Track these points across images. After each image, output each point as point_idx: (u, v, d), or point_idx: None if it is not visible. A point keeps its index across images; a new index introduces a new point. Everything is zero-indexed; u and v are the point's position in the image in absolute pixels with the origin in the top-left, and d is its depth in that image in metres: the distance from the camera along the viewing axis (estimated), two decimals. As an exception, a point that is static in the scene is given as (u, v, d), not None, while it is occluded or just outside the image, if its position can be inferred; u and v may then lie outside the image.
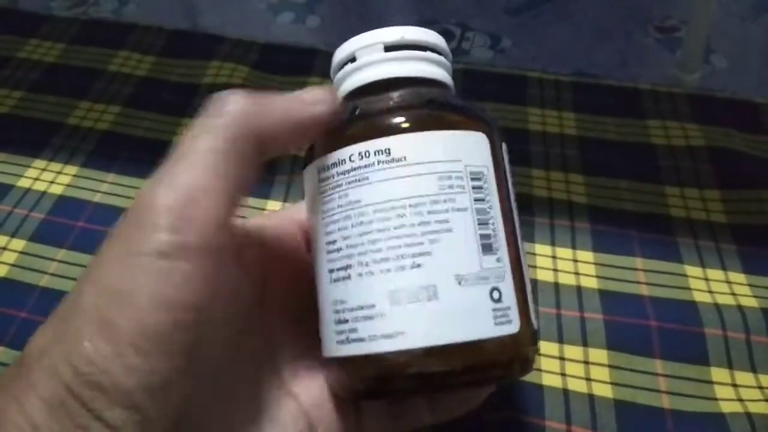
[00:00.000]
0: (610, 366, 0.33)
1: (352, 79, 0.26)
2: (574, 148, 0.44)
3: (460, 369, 0.22)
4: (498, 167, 0.24)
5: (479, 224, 0.23)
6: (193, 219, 0.19)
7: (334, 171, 0.23)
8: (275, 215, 0.28)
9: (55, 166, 0.44)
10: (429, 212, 0.22)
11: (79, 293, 0.19)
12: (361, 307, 0.22)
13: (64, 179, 0.43)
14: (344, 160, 0.23)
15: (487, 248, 0.23)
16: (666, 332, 0.34)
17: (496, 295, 0.22)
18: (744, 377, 0.33)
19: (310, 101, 0.23)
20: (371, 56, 0.25)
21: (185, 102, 0.49)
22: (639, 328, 0.35)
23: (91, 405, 0.17)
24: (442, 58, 0.27)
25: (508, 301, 0.23)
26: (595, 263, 0.38)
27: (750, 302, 0.36)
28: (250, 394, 0.24)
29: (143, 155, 0.45)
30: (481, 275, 0.22)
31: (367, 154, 0.23)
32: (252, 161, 0.22)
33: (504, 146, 0.25)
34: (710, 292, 0.36)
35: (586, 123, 0.46)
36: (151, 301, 0.18)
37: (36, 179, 0.43)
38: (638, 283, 0.37)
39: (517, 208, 0.25)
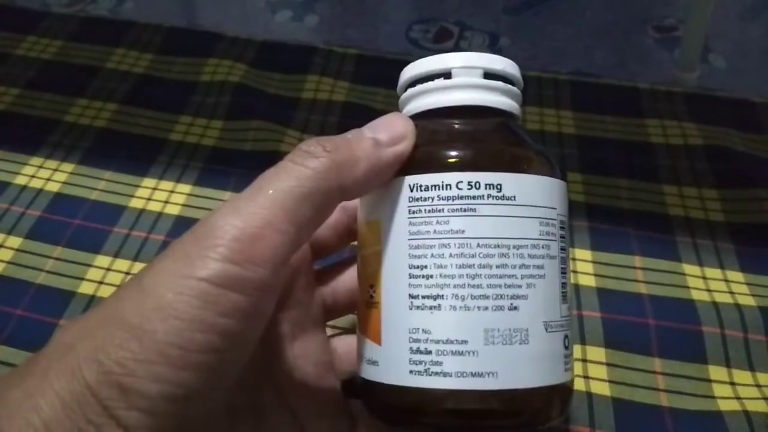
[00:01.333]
0: (608, 364, 0.33)
1: (448, 96, 0.25)
2: (573, 147, 0.44)
3: (535, 413, 0.23)
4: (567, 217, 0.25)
5: (561, 273, 0.24)
6: (255, 254, 0.20)
7: (434, 194, 0.23)
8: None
9: (52, 164, 0.44)
10: (530, 255, 0.23)
11: (120, 298, 0.20)
12: (451, 341, 0.22)
13: (61, 176, 0.43)
14: (449, 185, 0.23)
15: (564, 296, 0.24)
16: (664, 330, 0.34)
17: (566, 342, 0.23)
18: (742, 375, 0.33)
19: (390, 142, 0.23)
20: (472, 79, 0.25)
21: (183, 99, 0.48)
22: (637, 326, 0.35)
23: (108, 403, 0.18)
24: (520, 93, 0.27)
25: (571, 349, 0.24)
26: (593, 261, 0.38)
27: (748, 301, 0.36)
28: (256, 415, 0.24)
29: (140, 153, 0.44)
30: (560, 323, 0.23)
31: (477, 186, 0.22)
32: (327, 210, 0.22)
33: None
34: (708, 290, 0.36)
35: (584, 122, 0.46)
36: (193, 320, 0.19)
37: (33, 176, 0.43)
38: (636, 281, 0.37)
39: None
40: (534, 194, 0.23)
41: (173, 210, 0.41)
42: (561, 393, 0.23)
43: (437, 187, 0.23)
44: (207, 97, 0.48)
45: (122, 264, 0.38)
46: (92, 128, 0.46)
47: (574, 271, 0.37)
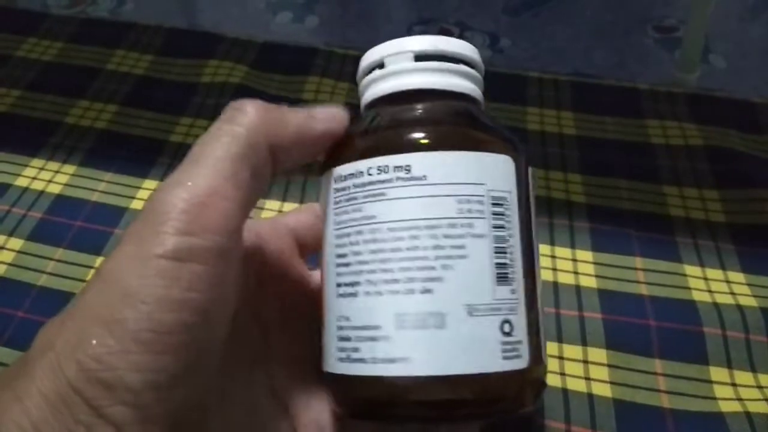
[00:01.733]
0: (609, 365, 0.33)
1: (377, 87, 0.25)
2: (573, 148, 0.44)
3: (462, 401, 0.21)
4: (522, 194, 0.23)
5: (496, 252, 0.22)
6: (206, 223, 0.20)
7: (350, 182, 0.23)
8: (269, 222, 0.28)
9: (53, 165, 0.44)
10: (445, 236, 0.22)
11: (87, 291, 0.19)
12: (366, 327, 0.22)
13: (62, 178, 0.43)
14: (362, 172, 0.22)
15: (502, 278, 0.22)
16: (665, 331, 0.34)
17: (507, 328, 0.21)
18: (743, 377, 0.33)
19: (322, 118, 0.24)
20: (399, 65, 0.24)
21: (183, 101, 0.48)
22: (638, 327, 0.35)
23: (94, 402, 0.18)
24: (472, 71, 0.25)
25: (519, 335, 0.22)
26: (594, 262, 0.38)
27: (749, 302, 0.36)
28: (247, 403, 0.24)
29: (141, 154, 0.44)
30: (493, 306, 0.21)
31: (386, 169, 0.22)
32: (265, 171, 0.22)
33: (531, 171, 0.24)
34: (709, 291, 0.36)
35: (584, 122, 0.46)
36: (160, 301, 0.18)
37: (34, 178, 0.43)
38: (637, 282, 0.36)
39: (537, 238, 0.24)
40: (449, 172, 0.22)
41: (174, 211, 0.41)
42: (504, 382, 0.21)
43: (352, 176, 0.23)
44: (208, 99, 0.48)
45: (123, 265, 0.38)
46: (93, 130, 0.46)
47: (575, 272, 0.37)
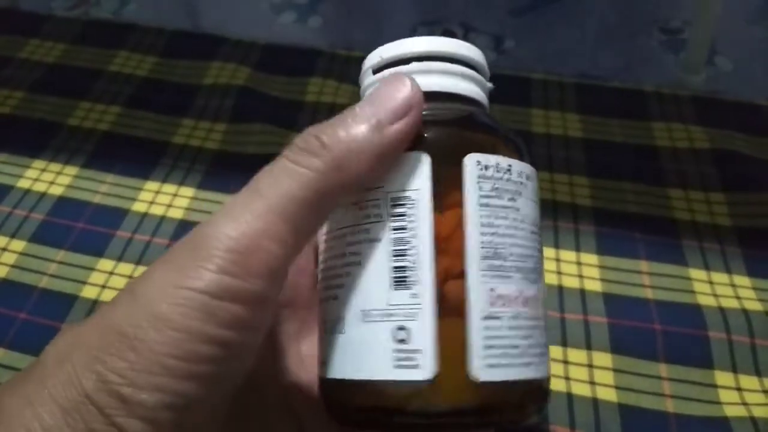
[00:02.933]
0: (614, 369, 0.33)
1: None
2: (579, 150, 0.44)
3: (360, 407, 0.21)
4: (446, 191, 0.21)
5: (394, 256, 0.21)
6: (253, 265, 0.19)
7: None
8: None
9: (55, 167, 0.44)
10: (348, 243, 0.22)
11: (115, 306, 0.19)
12: (320, 333, 0.24)
13: (65, 180, 0.43)
14: None
15: (399, 282, 0.21)
16: (670, 335, 0.34)
17: (401, 335, 0.20)
18: (748, 381, 0.33)
19: (392, 118, 0.21)
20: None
21: (186, 102, 0.48)
22: (643, 331, 0.34)
23: (108, 411, 0.17)
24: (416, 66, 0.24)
25: (419, 343, 0.20)
26: (599, 266, 0.37)
27: (754, 306, 0.35)
28: (259, 429, 0.24)
29: (144, 156, 0.44)
30: (386, 312, 0.20)
31: None
32: (327, 213, 0.21)
33: (492, 164, 0.22)
34: (714, 295, 0.36)
35: (590, 125, 0.46)
36: (191, 332, 0.18)
37: (36, 180, 0.43)
38: (642, 286, 0.36)
39: (529, 238, 0.22)
40: None
41: (176, 213, 0.41)
42: (400, 392, 0.20)
43: None
44: (210, 100, 0.48)
45: (125, 268, 0.38)
46: (95, 131, 0.46)
47: (580, 276, 0.37)
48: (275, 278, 0.20)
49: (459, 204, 0.21)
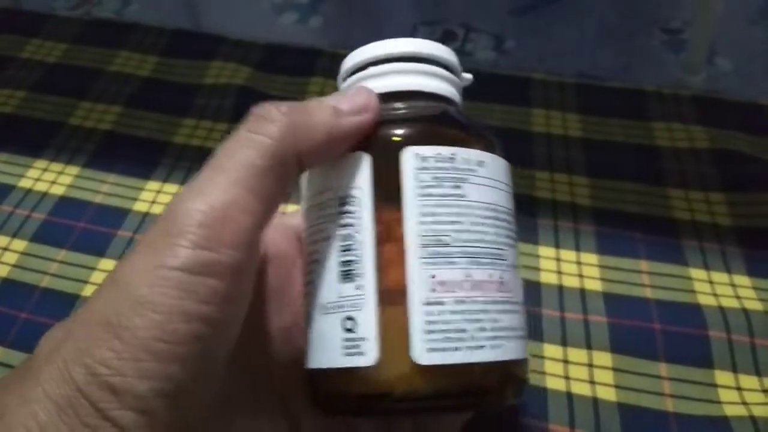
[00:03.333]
0: (614, 369, 0.33)
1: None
2: (579, 150, 0.44)
3: (326, 395, 0.23)
4: (389, 186, 0.22)
5: (341, 251, 0.22)
6: (224, 237, 0.19)
7: None
8: (273, 225, 0.28)
9: (57, 167, 0.44)
10: (310, 243, 0.24)
11: (98, 297, 0.19)
12: None
13: (66, 179, 0.43)
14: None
15: (346, 275, 0.22)
16: (670, 335, 0.34)
17: (349, 324, 0.21)
18: (748, 381, 0.33)
19: (350, 111, 0.22)
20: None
21: (187, 102, 0.48)
22: (643, 330, 0.34)
23: (101, 405, 0.18)
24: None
25: (364, 332, 0.21)
26: (599, 266, 0.37)
27: (754, 305, 0.35)
28: (250, 412, 0.24)
29: (145, 156, 0.44)
30: (337, 304, 0.22)
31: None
32: (289, 180, 0.22)
33: (431, 155, 0.22)
34: (714, 295, 0.36)
35: (590, 125, 0.46)
36: (173, 312, 0.18)
37: (37, 180, 0.43)
38: (642, 285, 0.36)
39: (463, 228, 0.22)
40: (312, 184, 0.24)
41: (177, 213, 0.41)
42: (348, 379, 0.21)
43: None
44: (211, 100, 0.48)
45: (126, 267, 0.38)
46: (96, 131, 0.46)
47: (580, 275, 0.37)
48: (248, 248, 0.20)
49: (401, 197, 0.22)
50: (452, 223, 0.22)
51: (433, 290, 0.21)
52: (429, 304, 0.21)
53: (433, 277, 0.21)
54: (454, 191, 0.22)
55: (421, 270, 0.21)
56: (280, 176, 0.21)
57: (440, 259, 0.21)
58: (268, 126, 0.21)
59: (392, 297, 0.21)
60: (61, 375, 0.18)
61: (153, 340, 0.18)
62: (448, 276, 0.21)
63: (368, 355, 0.21)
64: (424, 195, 0.22)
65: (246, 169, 0.20)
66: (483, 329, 0.21)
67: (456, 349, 0.21)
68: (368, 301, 0.21)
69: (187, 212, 0.19)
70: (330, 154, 0.22)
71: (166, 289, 0.18)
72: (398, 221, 0.22)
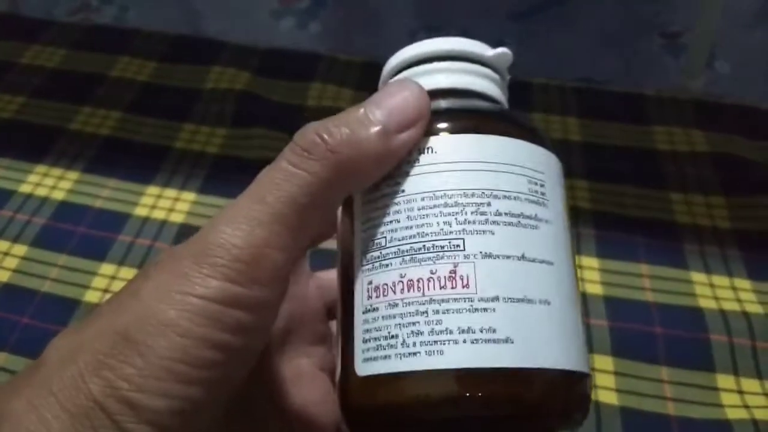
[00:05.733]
0: (615, 373, 0.33)
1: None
2: (579, 154, 0.44)
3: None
4: (347, 201, 0.23)
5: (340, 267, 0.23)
6: (258, 274, 0.19)
7: None
8: (295, 281, 0.27)
9: (57, 172, 0.44)
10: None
11: (117, 309, 0.19)
12: None
13: (66, 184, 0.43)
14: None
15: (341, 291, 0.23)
16: (671, 339, 0.34)
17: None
18: (750, 384, 0.33)
19: (399, 128, 0.20)
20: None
21: (187, 107, 0.48)
22: (644, 334, 0.34)
23: (117, 417, 0.17)
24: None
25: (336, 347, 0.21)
26: (600, 269, 0.37)
27: (755, 308, 0.35)
28: (250, 421, 0.24)
29: (145, 160, 0.44)
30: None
31: None
32: (330, 213, 0.22)
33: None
34: (715, 298, 0.36)
35: (590, 129, 0.46)
36: (197, 338, 0.18)
37: (38, 185, 0.43)
38: (643, 289, 0.36)
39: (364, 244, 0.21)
40: None
41: (178, 218, 0.41)
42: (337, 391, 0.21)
43: None
44: (211, 105, 0.48)
45: (127, 272, 0.38)
46: (97, 136, 0.46)
47: (581, 279, 0.37)
48: (279, 284, 0.20)
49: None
50: (388, 222, 0.20)
51: (369, 297, 0.20)
52: (366, 311, 0.20)
53: (370, 282, 0.20)
54: (392, 188, 0.20)
55: (361, 279, 0.20)
56: (321, 214, 0.20)
57: (376, 263, 0.20)
58: (313, 163, 0.20)
59: (349, 310, 0.21)
60: (76, 384, 0.18)
61: (175, 362, 0.18)
62: (382, 279, 0.20)
63: (337, 371, 0.21)
64: (366, 201, 0.21)
65: (288, 205, 0.19)
66: (418, 333, 0.19)
67: (386, 357, 0.19)
68: (338, 315, 0.21)
69: (223, 245, 0.19)
70: (377, 176, 0.21)
71: (193, 315, 0.18)
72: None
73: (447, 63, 0.24)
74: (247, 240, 0.19)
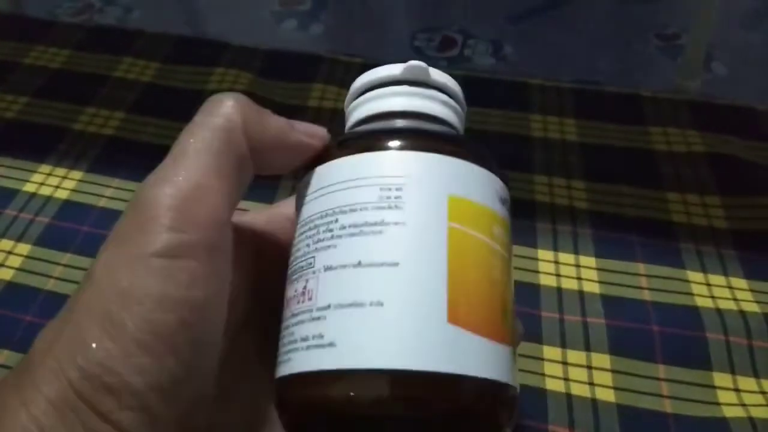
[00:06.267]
0: (612, 371, 0.34)
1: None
2: (576, 155, 0.45)
3: None
4: None
5: None
6: (196, 217, 0.19)
7: None
8: (264, 214, 0.28)
9: (61, 171, 0.44)
10: None
11: (81, 295, 0.19)
12: None
13: (70, 184, 0.43)
14: None
15: None
16: (668, 337, 0.34)
17: None
18: (746, 382, 0.33)
19: (301, 130, 0.24)
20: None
21: (190, 108, 0.48)
22: (641, 332, 0.35)
23: (100, 408, 0.17)
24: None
25: None
26: (597, 268, 0.38)
27: (751, 307, 0.36)
28: (249, 396, 0.24)
29: (148, 161, 0.44)
30: None
31: None
32: (246, 165, 0.22)
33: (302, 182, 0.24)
34: (712, 297, 0.36)
35: (587, 129, 0.46)
36: (158, 301, 0.18)
37: (41, 184, 0.43)
38: (640, 288, 0.37)
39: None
40: None
41: (180, 217, 0.41)
42: None
43: None
44: (213, 106, 0.49)
45: (130, 271, 0.38)
46: (100, 136, 0.47)
47: (579, 278, 0.37)
48: (220, 227, 0.20)
49: None
50: (293, 245, 0.23)
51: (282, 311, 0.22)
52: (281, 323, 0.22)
53: (284, 298, 0.22)
54: (297, 214, 0.23)
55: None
56: (238, 158, 0.22)
57: (288, 280, 0.22)
58: (220, 109, 0.22)
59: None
60: (56, 377, 0.18)
61: (142, 334, 0.18)
62: (287, 293, 0.22)
63: None
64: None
65: (205, 151, 0.21)
66: (283, 344, 0.21)
67: (277, 364, 0.21)
68: None
69: (156, 198, 0.19)
70: (278, 160, 0.23)
71: (147, 278, 0.18)
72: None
73: (365, 96, 0.26)
74: (177, 187, 0.20)
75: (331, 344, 0.19)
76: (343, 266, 0.20)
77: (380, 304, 0.19)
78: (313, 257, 0.21)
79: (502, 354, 0.20)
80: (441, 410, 0.19)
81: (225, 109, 0.22)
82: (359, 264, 0.20)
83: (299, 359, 0.19)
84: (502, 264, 0.21)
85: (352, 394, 0.18)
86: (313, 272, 0.20)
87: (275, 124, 0.23)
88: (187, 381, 0.19)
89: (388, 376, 0.18)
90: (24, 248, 0.40)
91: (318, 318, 0.20)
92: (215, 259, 0.20)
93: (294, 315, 0.20)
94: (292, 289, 0.21)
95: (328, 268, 0.20)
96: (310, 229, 0.21)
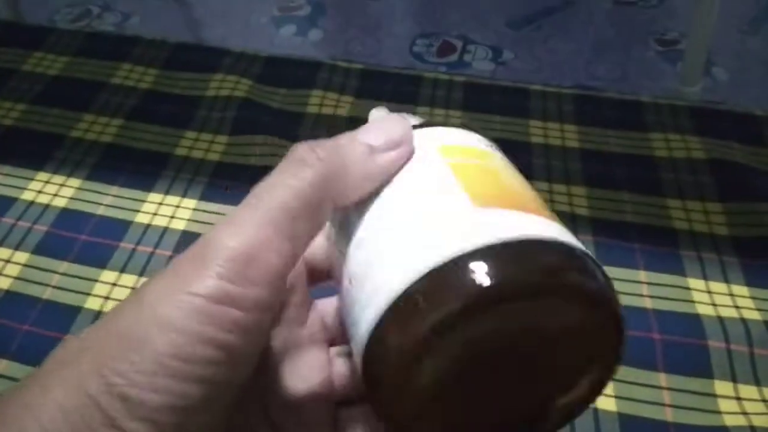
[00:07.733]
0: (613, 379, 0.33)
1: None
2: (576, 161, 0.45)
3: None
4: None
5: None
6: (250, 275, 0.20)
7: None
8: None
9: (59, 179, 0.44)
10: None
11: (120, 314, 0.20)
12: None
13: (68, 192, 0.43)
14: None
15: None
16: (669, 345, 0.34)
17: None
18: (748, 390, 0.33)
19: (384, 147, 0.23)
20: None
21: (189, 114, 0.49)
22: (642, 341, 0.35)
23: (111, 414, 0.18)
24: None
25: None
26: (597, 276, 0.38)
27: (753, 315, 0.36)
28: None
29: (147, 167, 0.45)
30: None
31: None
32: (321, 221, 0.22)
33: None
34: (713, 304, 0.36)
35: (588, 135, 0.46)
36: (193, 335, 0.19)
37: (39, 192, 0.43)
38: (641, 296, 0.37)
39: None
40: None
41: (179, 225, 0.41)
42: None
43: None
44: (212, 112, 0.49)
45: (128, 279, 0.38)
46: (98, 143, 0.47)
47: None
48: (273, 286, 0.20)
49: None
50: None
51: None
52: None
53: None
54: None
55: None
56: (312, 219, 0.22)
57: None
58: (304, 170, 0.22)
59: None
60: (74, 385, 0.18)
61: (170, 358, 0.18)
62: None
63: None
64: None
65: (279, 210, 0.21)
66: (360, 307, 0.21)
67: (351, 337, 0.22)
68: None
69: (218, 246, 0.20)
70: (367, 190, 0.23)
71: (189, 313, 0.19)
72: None
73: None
74: (241, 241, 0.20)
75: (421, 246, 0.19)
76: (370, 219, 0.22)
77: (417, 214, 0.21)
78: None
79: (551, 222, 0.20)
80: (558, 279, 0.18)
81: (306, 172, 0.22)
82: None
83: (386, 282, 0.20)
84: (504, 170, 0.24)
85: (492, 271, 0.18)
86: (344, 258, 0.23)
87: (355, 162, 0.22)
88: (202, 413, 0.19)
89: (518, 245, 0.18)
90: (22, 256, 0.39)
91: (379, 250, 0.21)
92: (260, 314, 0.20)
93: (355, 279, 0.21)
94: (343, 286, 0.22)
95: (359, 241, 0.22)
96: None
